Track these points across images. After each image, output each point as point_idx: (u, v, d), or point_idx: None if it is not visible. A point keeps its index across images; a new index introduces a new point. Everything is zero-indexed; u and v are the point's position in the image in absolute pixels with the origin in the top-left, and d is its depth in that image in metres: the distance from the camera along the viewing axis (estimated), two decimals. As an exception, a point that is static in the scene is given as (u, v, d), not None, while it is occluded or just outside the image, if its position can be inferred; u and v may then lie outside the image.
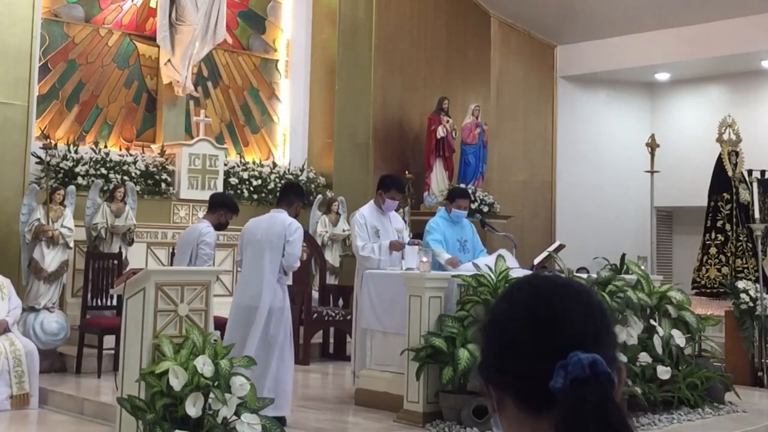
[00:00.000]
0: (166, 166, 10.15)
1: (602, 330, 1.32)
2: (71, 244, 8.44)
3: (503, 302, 1.37)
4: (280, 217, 6.49)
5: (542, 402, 1.27)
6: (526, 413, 1.30)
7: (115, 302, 8.43)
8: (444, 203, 7.57)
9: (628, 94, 15.23)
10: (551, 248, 7.84)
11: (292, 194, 6.75)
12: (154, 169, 10.02)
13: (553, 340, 1.29)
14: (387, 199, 7.19)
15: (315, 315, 9.27)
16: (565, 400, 1.25)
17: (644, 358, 6.78)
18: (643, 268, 7.72)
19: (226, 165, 10.61)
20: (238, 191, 10.71)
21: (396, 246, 7.01)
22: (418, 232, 10.16)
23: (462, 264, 7.09)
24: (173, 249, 9.66)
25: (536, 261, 7.71)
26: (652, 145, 12.00)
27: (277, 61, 11.96)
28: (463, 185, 12.34)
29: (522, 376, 1.29)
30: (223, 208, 7.14)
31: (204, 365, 4.85)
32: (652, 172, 11.92)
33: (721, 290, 10.28)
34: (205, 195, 10.19)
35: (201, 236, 6.83)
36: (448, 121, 12.66)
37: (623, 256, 7.67)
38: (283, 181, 11.18)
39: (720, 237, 10.99)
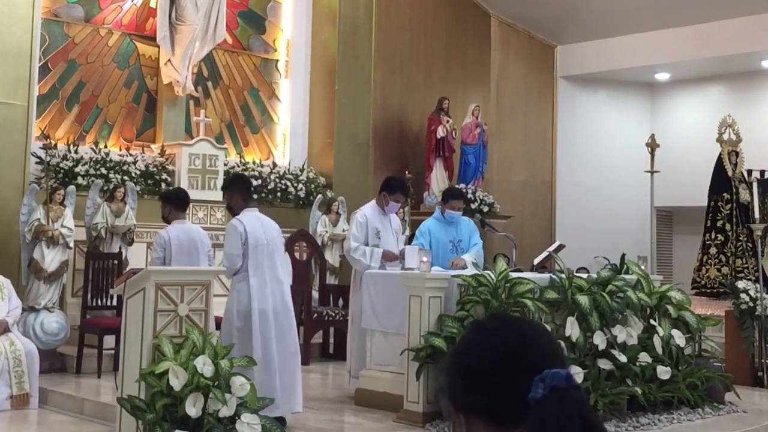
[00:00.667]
0: (166, 166, 10.15)
1: (563, 355, 1.54)
2: (71, 244, 8.43)
3: (473, 334, 1.54)
4: (265, 217, 6.36)
5: (516, 417, 1.44)
6: (499, 430, 1.46)
7: (115, 302, 8.43)
8: (440, 204, 7.58)
9: (628, 94, 15.23)
10: (551, 248, 7.82)
11: (250, 187, 6.67)
12: (154, 169, 10.02)
13: (526, 361, 1.46)
14: (391, 201, 7.21)
15: (315, 315, 9.27)
16: (544, 406, 1.40)
17: (644, 358, 6.77)
18: (643, 268, 7.71)
19: (226, 165, 10.61)
20: (238, 191, 10.70)
21: (389, 257, 6.99)
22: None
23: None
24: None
25: (536, 261, 7.69)
26: (652, 145, 12.00)
27: (277, 61, 11.96)
28: (462, 185, 12.34)
29: (497, 396, 1.46)
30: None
31: (204, 365, 4.85)
32: (652, 172, 11.91)
33: (721, 290, 10.28)
34: (206, 195, 10.24)
35: (207, 238, 7.00)
36: (448, 121, 12.66)
37: (623, 256, 7.66)
38: (284, 181, 11.18)
39: (720, 237, 10.98)
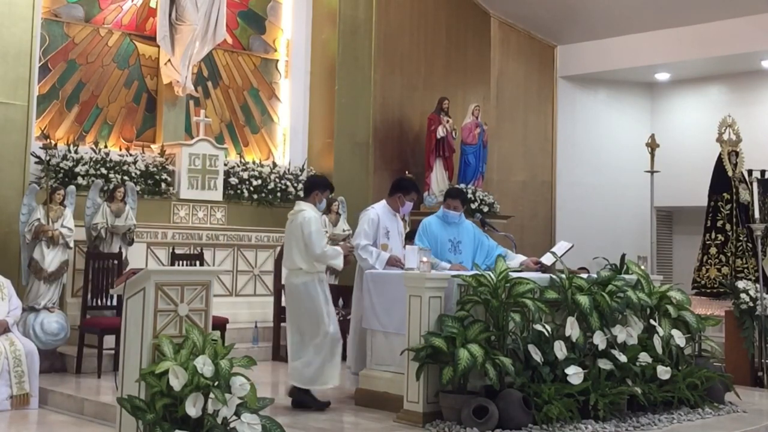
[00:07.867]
0: (166, 166, 10.16)
1: None
2: (71, 244, 8.43)
3: None
4: None
5: None
6: None
7: (115, 302, 8.44)
8: (442, 203, 7.60)
9: (628, 94, 15.23)
10: (563, 251, 7.62)
11: None
12: (154, 169, 10.03)
13: None
14: (407, 201, 7.25)
15: (315, 315, 9.24)
16: None
17: (644, 358, 6.77)
18: (643, 268, 7.70)
19: (226, 165, 10.62)
20: (238, 191, 10.71)
21: (394, 263, 6.98)
22: (414, 229, 10.16)
23: (453, 264, 7.09)
24: (173, 249, 9.67)
25: (549, 262, 7.46)
26: (652, 145, 12.01)
27: (277, 61, 11.96)
28: (462, 185, 12.34)
29: None
30: None
31: (204, 365, 4.84)
32: (652, 172, 11.92)
33: (721, 290, 10.28)
34: (206, 195, 10.26)
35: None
36: (448, 121, 12.66)
37: (623, 256, 7.65)
38: (284, 181, 11.18)
39: (720, 237, 10.99)
